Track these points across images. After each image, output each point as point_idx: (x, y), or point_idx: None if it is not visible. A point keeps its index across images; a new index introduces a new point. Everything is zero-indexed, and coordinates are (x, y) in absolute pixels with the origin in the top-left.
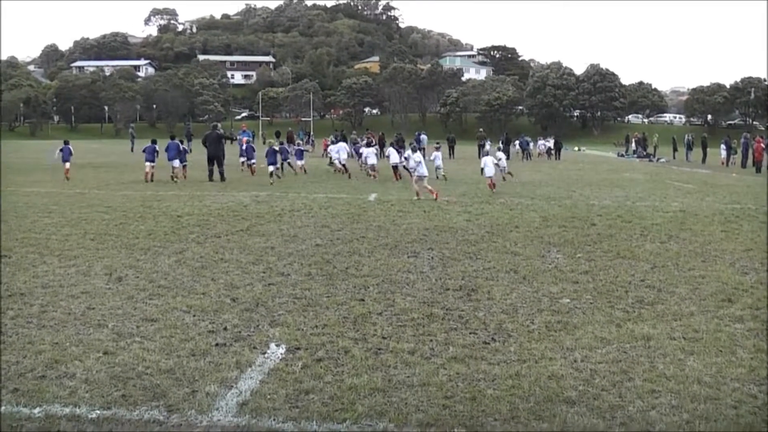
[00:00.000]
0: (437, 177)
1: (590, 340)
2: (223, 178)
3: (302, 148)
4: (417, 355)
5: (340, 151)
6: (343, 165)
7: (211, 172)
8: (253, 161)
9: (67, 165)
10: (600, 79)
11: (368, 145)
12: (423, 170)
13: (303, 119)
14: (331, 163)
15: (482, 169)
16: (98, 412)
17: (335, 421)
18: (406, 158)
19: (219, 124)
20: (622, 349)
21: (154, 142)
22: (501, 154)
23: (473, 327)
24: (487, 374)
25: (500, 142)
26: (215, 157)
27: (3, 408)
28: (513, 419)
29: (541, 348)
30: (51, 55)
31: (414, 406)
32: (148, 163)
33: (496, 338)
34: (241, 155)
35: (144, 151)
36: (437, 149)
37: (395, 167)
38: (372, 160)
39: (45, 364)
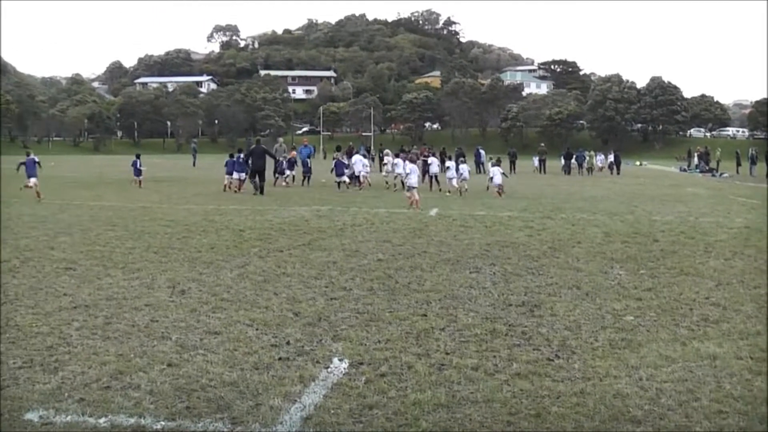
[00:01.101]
0: (463, 189)
1: (655, 359)
2: (261, 192)
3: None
4: (480, 371)
5: (355, 164)
6: (356, 177)
7: (258, 185)
8: (286, 174)
9: (139, 178)
10: (661, 93)
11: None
12: (413, 181)
13: (364, 134)
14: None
15: (491, 179)
16: (163, 423)
17: None
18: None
19: (260, 138)
20: (687, 368)
21: (231, 156)
22: (495, 170)
23: (536, 343)
24: (551, 391)
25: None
26: (260, 171)
27: (69, 417)
28: None
29: (606, 366)
30: (115, 71)
31: (478, 423)
32: (227, 176)
33: (559, 355)
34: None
35: (225, 165)
36: (496, 164)
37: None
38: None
39: (110, 374)
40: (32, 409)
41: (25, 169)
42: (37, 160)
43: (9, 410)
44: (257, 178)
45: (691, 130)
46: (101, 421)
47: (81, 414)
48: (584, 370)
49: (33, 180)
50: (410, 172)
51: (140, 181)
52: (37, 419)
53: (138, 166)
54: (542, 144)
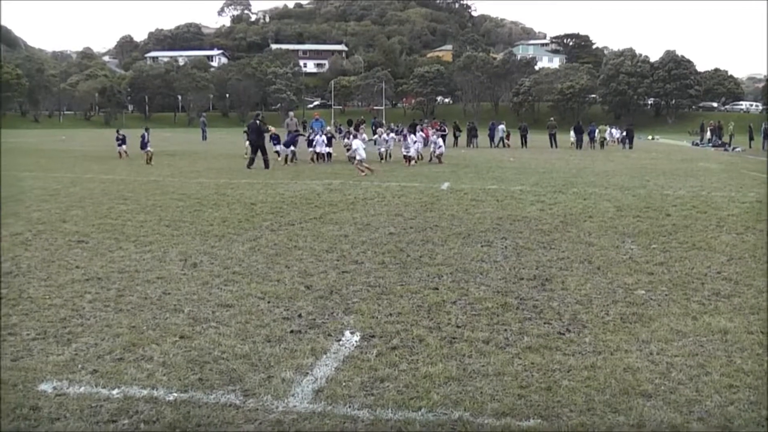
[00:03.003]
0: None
1: (666, 333)
2: (267, 166)
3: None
4: (492, 345)
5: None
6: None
7: (252, 160)
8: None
9: (146, 150)
10: (675, 67)
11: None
12: (362, 154)
13: (375, 108)
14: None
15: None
16: (175, 394)
17: (410, 410)
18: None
19: (260, 113)
20: (698, 342)
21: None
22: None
23: (548, 317)
24: (562, 365)
25: (572, 129)
26: (258, 146)
27: (82, 389)
28: (589, 411)
29: (617, 340)
30: (126, 46)
31: (489, 396)
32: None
33: (570, 329)
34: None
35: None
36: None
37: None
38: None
39: (123, 346)
40: (46, 380)
41: None
42: None
43: (23, 381)
44: (257, 153)
45: (704, 104)
46: (114, 392)
47: (94, 385)
48: (595, 344)
49: None
50: (357, 147)
51: (150, 156)
52: (51, 390)
53: (145, 140)
54: (552, 118)
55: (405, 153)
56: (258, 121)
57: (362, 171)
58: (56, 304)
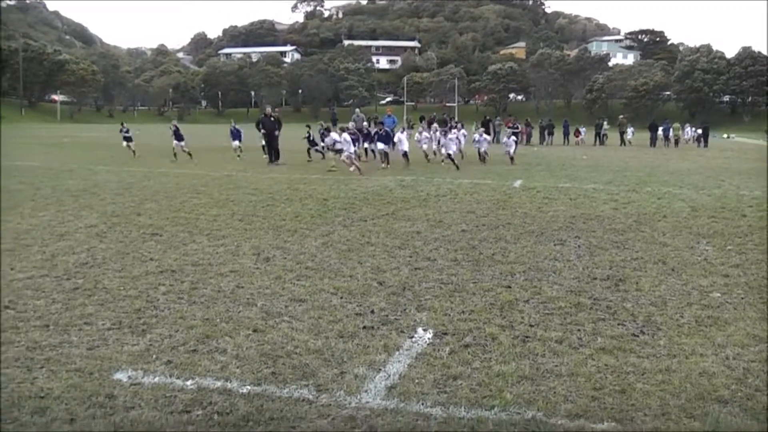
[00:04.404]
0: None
1: (742, 337)
2: (277, 158)
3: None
4: (565, 345)
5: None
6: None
7: (275, 153)
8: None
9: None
10: (752, 63)
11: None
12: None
13: (447, 104)
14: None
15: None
16: (249, 387)
17: (483, 408)
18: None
19: (269, 108)
20: None
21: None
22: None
23: (621, 318)
24: (636, 367)
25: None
26: (270, 141)
27: (157, 379)
28: (663, 416)
29: (692, 343)
30: (200, 42)
31: (563, 396)
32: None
33: (645, 331)
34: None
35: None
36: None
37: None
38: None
39: (196, 338)
40: (121, 369)
41: None
42: None
43: (99, 369)
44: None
45: None
46: (188, 383)
47: (168, 376)
48: (670, 347)
49: None
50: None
51: (179, 152)
52: (126, 379)
53: (180, 132)
54: (622, 116)
55: (445, 151)
56: (272, 118)
57: (350, 166)
58: (131, 295)
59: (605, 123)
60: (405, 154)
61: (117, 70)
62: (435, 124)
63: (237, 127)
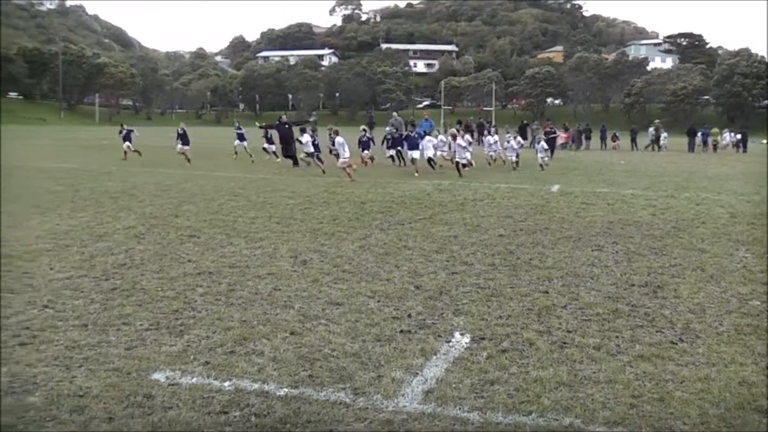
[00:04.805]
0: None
1: None
2: (279, 156)
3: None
4: (603, 351)
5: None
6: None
7: (299, 161)
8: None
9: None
10: None
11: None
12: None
13: (485, 108)
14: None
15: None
16: (286, 389)
17: (521, 413)
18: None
19: (284, 115)
20: None
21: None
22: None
23: (660, 325)
24: (675, 375)
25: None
26: (287, 148)
27: (194, 379)
28: (702, 425)
29: (731, 351)
30: (238, 46)
31: (600, 403)
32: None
33: (683, 338)
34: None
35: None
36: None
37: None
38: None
39: (234, 340)
40: (159, 369)
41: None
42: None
43: (137, 369)
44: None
45: None
46: (225, 384)
47: (206, 377)
48: (708, 355)
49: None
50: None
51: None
52: (164, 379)
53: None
54: (657, 121)
55: (458, 159)
56: (287, 125)
57: (347, 171)
58: (168, 296)
59: (653, 129)
60: (429, 161)
61: (155, 73)
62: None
63: (185, 129)
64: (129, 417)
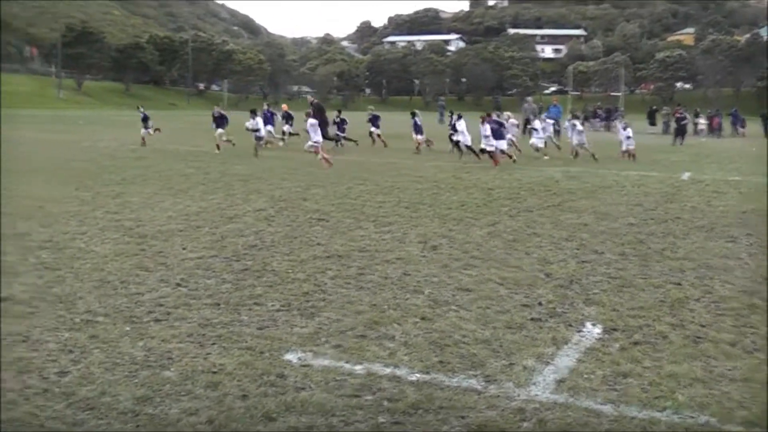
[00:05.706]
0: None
1: None
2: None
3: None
4: (738, 348)
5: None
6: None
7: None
8: (419, 136)
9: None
10: None
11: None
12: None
13: (612, 94)
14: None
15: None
16: (417, 375)
17: (655, 409)
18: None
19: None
20: None
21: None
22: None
23: None
24: None
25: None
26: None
27: (326, 362)
28: None
29: None
30: (365, 31)
31: (737, 403)
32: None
33: None
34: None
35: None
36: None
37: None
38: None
39: (364, 324)
40: (291, 350)
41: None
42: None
43: (269, 349)
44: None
45: None
46: (357, 368)
47: (338, 359)
48: None
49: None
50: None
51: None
52: (296, 360)
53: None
54: None
55: (487, 147)
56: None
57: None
58: (299, 278)
59: None
60: (469, 147)
61: (282, 59)
62: (507, 113)
63: (222, 112)
64: (263, 395)
